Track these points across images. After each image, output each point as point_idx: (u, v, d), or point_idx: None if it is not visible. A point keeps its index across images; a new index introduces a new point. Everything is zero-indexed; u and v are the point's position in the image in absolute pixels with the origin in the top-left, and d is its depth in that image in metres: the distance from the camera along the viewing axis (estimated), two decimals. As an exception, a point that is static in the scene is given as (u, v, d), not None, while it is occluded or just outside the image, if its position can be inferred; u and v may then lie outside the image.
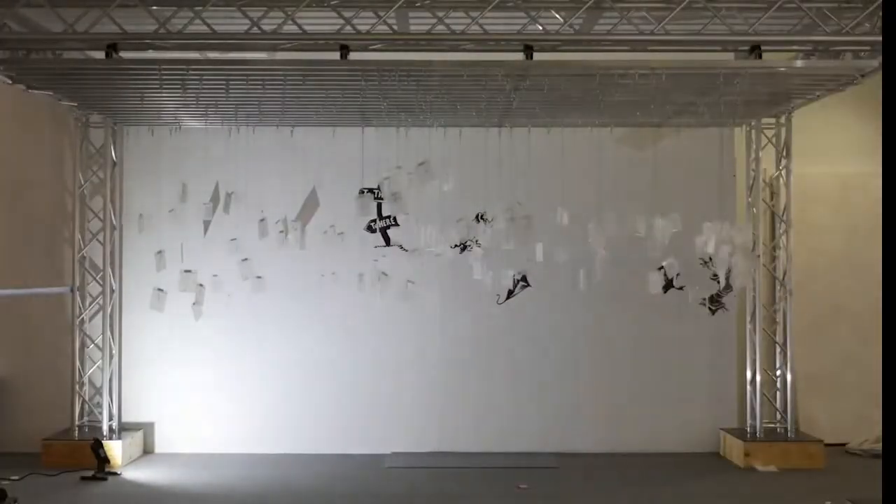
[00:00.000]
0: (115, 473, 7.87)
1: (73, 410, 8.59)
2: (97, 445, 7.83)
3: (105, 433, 8.31)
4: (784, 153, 8.69)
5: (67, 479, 7.68)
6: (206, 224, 8.57)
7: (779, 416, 8.73)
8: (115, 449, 8.11)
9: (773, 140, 8.76)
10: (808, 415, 9.09)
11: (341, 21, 6.25)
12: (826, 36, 6.28)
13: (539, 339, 8.88)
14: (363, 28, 6.28)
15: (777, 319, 8.82)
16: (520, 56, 6.40)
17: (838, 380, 9.14)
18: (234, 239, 8.31)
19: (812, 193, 9.21)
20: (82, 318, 8.69)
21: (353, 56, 6.39)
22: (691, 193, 8.71)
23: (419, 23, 6.59)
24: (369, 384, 8.86)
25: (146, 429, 8.80)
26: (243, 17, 6.21)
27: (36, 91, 7.41)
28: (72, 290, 8.62)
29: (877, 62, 6.54)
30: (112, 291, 8.64)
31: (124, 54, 6.45)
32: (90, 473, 7.72)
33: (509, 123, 8.49)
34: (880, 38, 5.88)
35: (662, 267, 8.06)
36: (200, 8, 6.17)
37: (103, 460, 7.82)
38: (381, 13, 6.22)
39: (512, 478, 7.76)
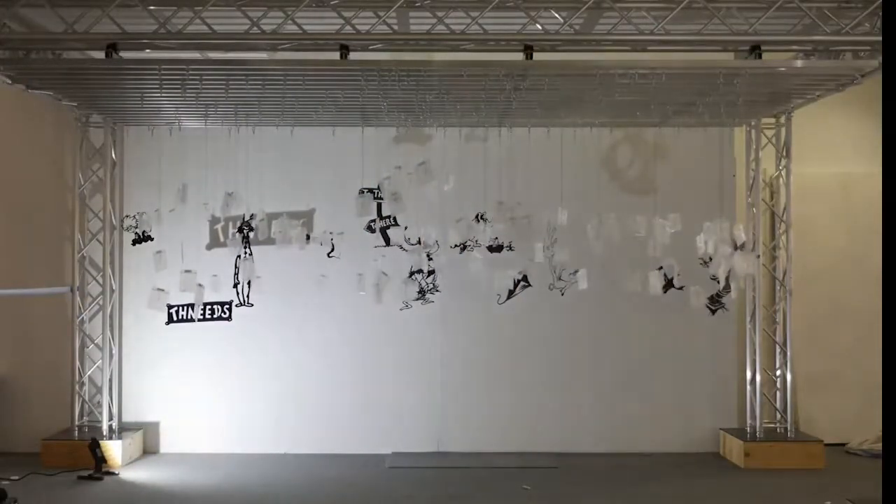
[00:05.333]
0: (113, 473, 7.87)
1: (73, 410, 8.59)
2: (94, 445, 7.83)
3: (105, 433, 8.31)
4: (784, 153, 8.69)
5: (65, 479, 7.68)
6: (215, 223, 8.63)
7: (779, 416, 8.74)
8: (114, 449, 8.10)
9: (773, 140, 8.76)
10: (808, 415, 9.09)
11: (341, 21, 6.25)
12: (826, 36, 6.28)
13: (539, 338, 8.88)
14: (363, 28, 6.28)
15: (777, 319, 8.82)
16: (520, 56, 6.41)
17: (838, 380, 9.14)
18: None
19: (812, 193, 9.21)
20: (82, 318, 8.69)
21: (353, 56, 6.40)
22: (691, 193, 8.72)
23: (419, 23, 6.59)
24: (370, 384, 8.86)
25: (146, 429, 8.80)
26: (243, 17, 6.21)
27: (36, 91, 7.41)
28: (72, 290, 8.63)
29: (877, 62, 6.54)
30: (112, 291, 8.64)
31: (124, 54, 6.46)
32: (86, 473, 7.73)
33: (509, 123, 8.49)
34: (880, 38, 5.89)
35: (662, 267, 8.06)
36: (200, 8, 6.17)
37: (100, 460, 7.82)
38: (381, 13, 6.23)
39: (512, 478, 7.77)
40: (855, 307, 9.16)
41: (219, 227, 8.72)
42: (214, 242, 8.81)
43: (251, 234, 8.68)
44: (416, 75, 6.79)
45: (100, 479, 7.70)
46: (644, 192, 8.75)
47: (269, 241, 8.39)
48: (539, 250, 8.09)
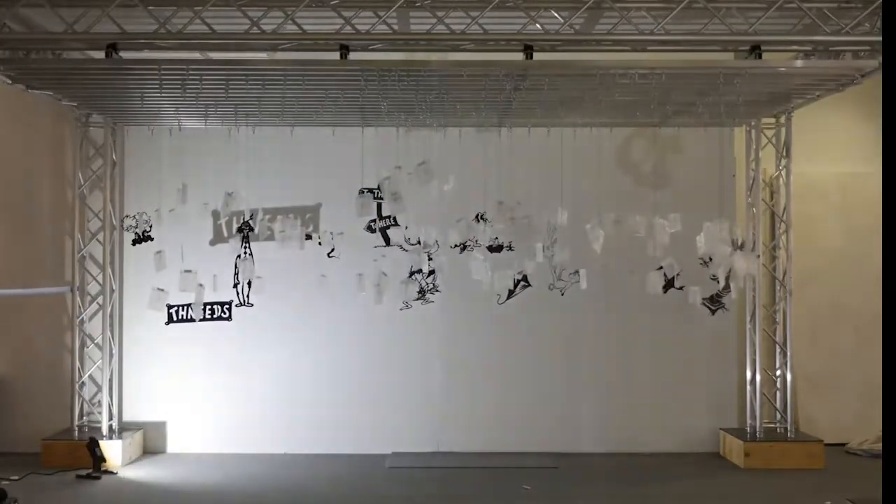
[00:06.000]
0: (112, 473, 7.87)
1: (72, 410, 8.59)
2: (93, 444, 7.84)
3: (105, 433, 8.31)
4: (784, 153, 8.70)
5: (63, 479, 7.69)
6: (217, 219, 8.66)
7: (779, 416, 8.74)
8: (114, 449, 8.10)
9: (773, 140, 8.76)
10: (808, 415, 9.09)
11: (341, 21, 6.25)
12: (826, 36, 6.28)
13: (539, 339, 8.88)
14: (363, 28, 6.28)
15: (777, 319, 8.82)
16: (520, 56, 6.41)
17: (838, 380, 9.15)
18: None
19: (812, 193, 9.21)
20: (82, 318, 8.69)
21: (353, 56, 6.40)
22: (691, 193, 8.72)
23: (419, 23, 6.59)
24: (370, 384, 8.86)
25: (147, 429, 8.80)
26: (243, 17, 6.21)
27: (36, 91, 7.41)
28: (72, 290, 8.63)
29: (877, 62, 6.55)
30: (112, 291, 8.64)
31: (124, 54, 6.46)
32: (85, 473, 7.73)
33: (509, 123, 8.49)
34: (880, 38, 5.89)
35: (662, 267, 8.06)
36: (200, 8, 6.16)
37: (99, 459, 7.83)
38: (381, 13, 6.23)
39: (512, 478, 7.76)
40: (855, 307, 9.16)
41: (222, 222, 8.73)
42: (218, 238, 8.82)
43: (251, 234, 8.69)
44: (416, 75, 6.79)
45: (98, 478, 7.70)
46: (644, 192, 8.75)
47: (269, 241, 8.39)
48: (539, 250, 8.09)
